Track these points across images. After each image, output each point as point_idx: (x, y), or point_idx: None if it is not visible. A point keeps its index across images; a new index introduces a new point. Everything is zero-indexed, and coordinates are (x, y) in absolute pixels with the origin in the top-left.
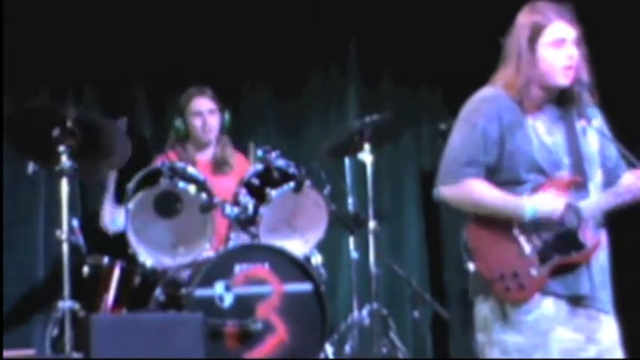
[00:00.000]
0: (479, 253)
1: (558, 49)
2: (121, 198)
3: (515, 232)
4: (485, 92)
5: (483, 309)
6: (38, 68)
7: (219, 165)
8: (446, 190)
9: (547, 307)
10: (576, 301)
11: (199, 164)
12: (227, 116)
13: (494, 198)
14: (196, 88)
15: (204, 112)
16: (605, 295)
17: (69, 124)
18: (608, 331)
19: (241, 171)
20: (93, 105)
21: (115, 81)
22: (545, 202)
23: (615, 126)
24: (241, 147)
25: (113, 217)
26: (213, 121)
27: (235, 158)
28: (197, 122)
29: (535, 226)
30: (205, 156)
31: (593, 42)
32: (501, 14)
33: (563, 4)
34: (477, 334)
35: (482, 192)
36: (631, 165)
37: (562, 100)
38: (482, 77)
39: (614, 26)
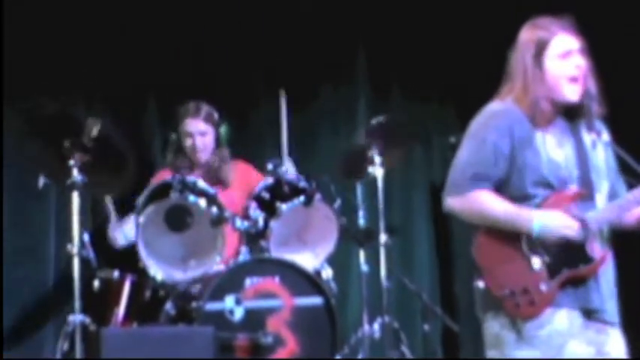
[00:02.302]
0: (488, 270)
1: (565, 60)
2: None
3: (524, 247)
4: (496, 106)
5: (494, 326)
6: (48, 79)
7: (212, 182)
8: (453, 201)
9: (560, 321)
10: (587, 313)
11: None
12: (223, 129)
13: (502, 209)
14: (193, 105)
15: (195, 134)
16: (612, 307)
17: (82, 137)
18: (616, 343)
19: (242, 181)
20: (103, 117)
21: (126, 93)
22: (555, 219)
23: (620, 136)
24: (252, 160)
25: (122, 233)
26: (204, 142)
27: (237, 170)
28: (188, 142)
29: (543, 240)
30: (201, 171)
31: (595, 54)
32: (512, 28)
33: (564, 18)
34: (487, 352)
35: (489, 203)
36: (637, 177)
37: (571, 113)
38: (493, 90)
39: (615, 38)
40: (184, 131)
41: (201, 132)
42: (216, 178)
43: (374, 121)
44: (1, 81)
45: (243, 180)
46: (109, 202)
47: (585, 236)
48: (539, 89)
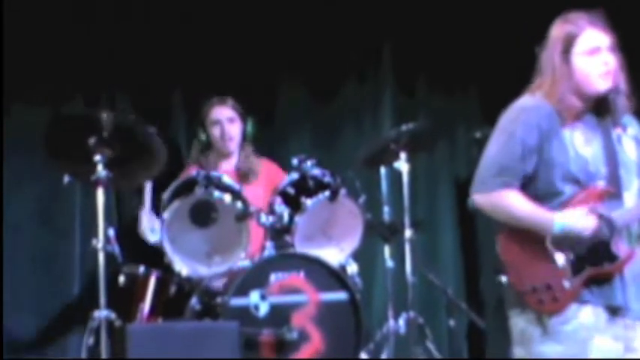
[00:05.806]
0: (511, 266)
1: (593, 57)
2: (157, 207)
3: (548, 244)
4: (525, 101)
5: (520, 322)
6: (72, 75)
7: (242, 175)
8: (480, 198)
9: (585, 316)
10: (612, 311)
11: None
12: (250, 125)
13: (525, 210)
14: (217, 98)
15: (223, 121)
16: (639, 305)
17: (105, 133)
18: None
19: (268, 178)
20: (127, 111)
21: (151, 87)
22: (575, 219)
23: None
24: (276, 155)
25: (152, 226)
26: (233, 130)
27: (262, 166)
28: (216, 131)
29: (567, 237)
30: (228, 165)
31: (628, 49)
32: (538, 20)
33: (595, 13)
34: (514, 349)
35: (514, 203)
36: None
37: (599, 109)
38: (518, 85)
39: None
40: (212, 120)
41: (229, 118)
42: (242, 173)
43: (403, 128)
44: (1, 79)
45: (269, 177)
46: (148, 187)
47: (611, 234)
48: (567, 85)
